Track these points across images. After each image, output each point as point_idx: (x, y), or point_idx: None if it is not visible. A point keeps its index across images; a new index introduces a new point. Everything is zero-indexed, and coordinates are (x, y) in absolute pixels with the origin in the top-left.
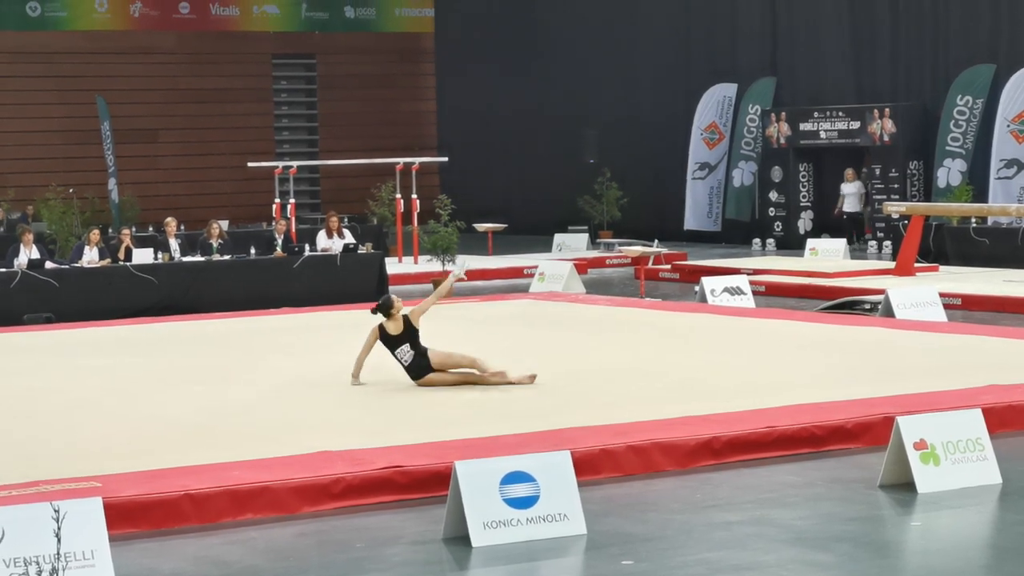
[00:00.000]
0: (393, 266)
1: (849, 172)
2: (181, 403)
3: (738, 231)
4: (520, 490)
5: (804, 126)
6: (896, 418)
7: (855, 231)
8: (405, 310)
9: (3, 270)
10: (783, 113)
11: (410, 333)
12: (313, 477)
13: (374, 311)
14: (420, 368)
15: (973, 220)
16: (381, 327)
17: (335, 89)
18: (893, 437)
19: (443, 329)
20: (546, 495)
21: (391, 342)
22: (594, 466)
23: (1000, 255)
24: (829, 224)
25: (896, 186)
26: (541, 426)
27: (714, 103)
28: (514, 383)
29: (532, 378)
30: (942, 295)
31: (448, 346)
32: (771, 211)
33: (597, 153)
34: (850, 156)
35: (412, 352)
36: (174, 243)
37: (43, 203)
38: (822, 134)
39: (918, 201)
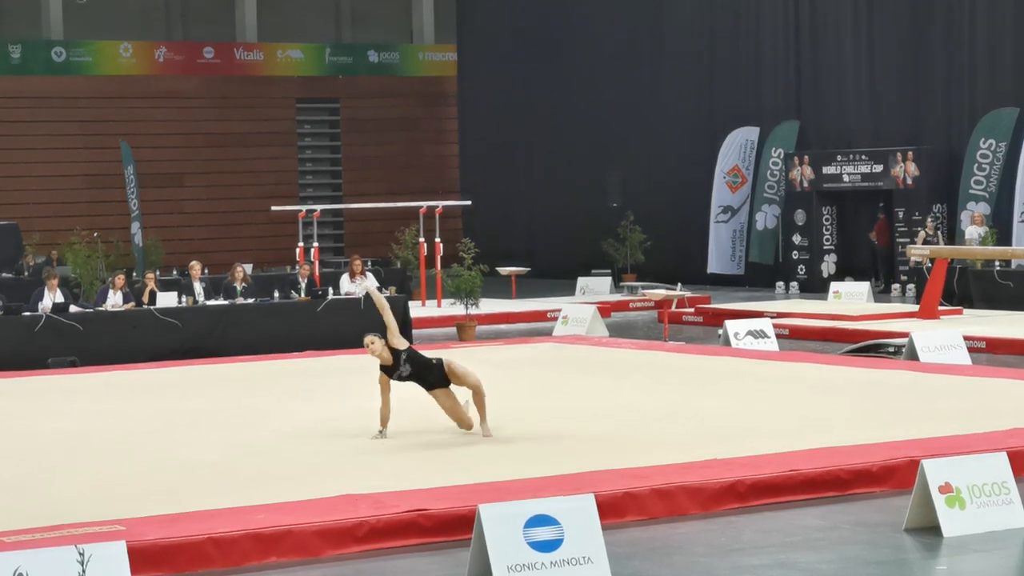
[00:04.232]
0: (416, 310)
1: (977, 215)
2: (205, 446)
3: (761, 274)
4: (544, 533)
5: (827, 169)
6: (921, 461)
7: None
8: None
9: (28, 314)
10: (806, 156)
11: (397, 355)
12: (337, 520)
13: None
14: (429, 375)
15: (997, 263)
16: (382, 367)
17: (359, 133)
18: (918, 480)
19: None
20: (570, 538)
21: (390, 371)
22: (618, 509)
23: None
24: (853, 266)
25: (920, 229)
26: (565, 469)
27: (736, 146)
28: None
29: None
30: (966, 338)
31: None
32: (794, 254)
33: (620, 196)
34: (873, 199)
35: (411, 367)
36: (198, 287)
37: (68, 247)
38: (845, 177)
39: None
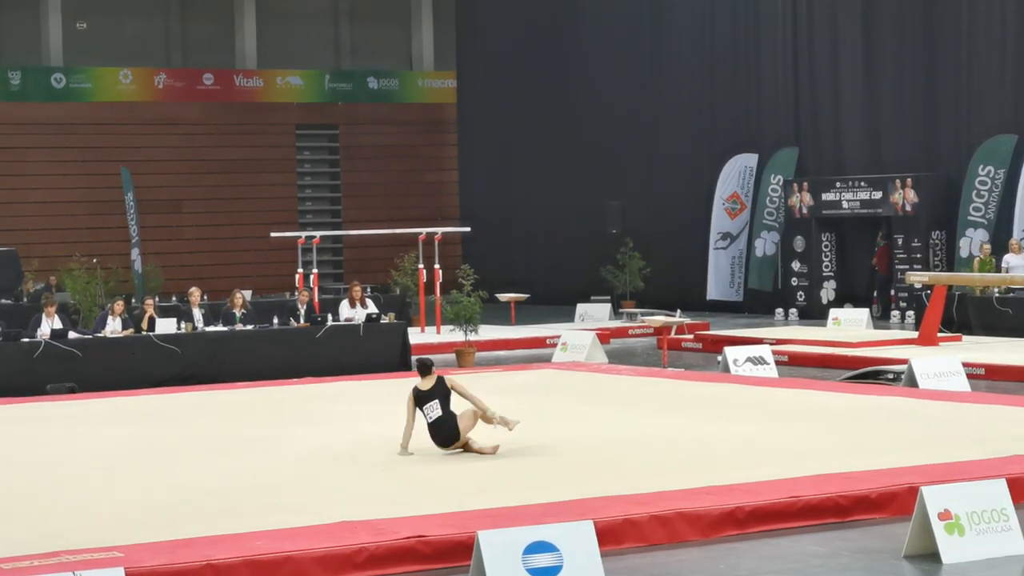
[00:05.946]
0: (416, 336)
1: (1014, 243)
2: (204, 473)
3: (761, 301)
4: (543, 560)
5: (826, 196)
6: (920, 488)
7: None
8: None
9: (27, 340)
10: (805, 183)
11: (442, 391)
12: (336, 547)
13: (420, 369)
14: (445, 428)
15: (996, 290)
16: (415, 388)
17: (358, 159)
18: (918, 507)
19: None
20: (569, 565)
21: (422, 398)
22: (617, 536)
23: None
24: (852, 295)
25: (919, 256)
26: (564, 495)
27: (735, 173)
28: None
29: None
30: (965, 365)
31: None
32: (794, 281)
33: (619, 223)
34: (873, 226)
35: (441, 411)
36: (197, 313)
37: (67, 273)
38: (844, 204)
39: (941, 271)
